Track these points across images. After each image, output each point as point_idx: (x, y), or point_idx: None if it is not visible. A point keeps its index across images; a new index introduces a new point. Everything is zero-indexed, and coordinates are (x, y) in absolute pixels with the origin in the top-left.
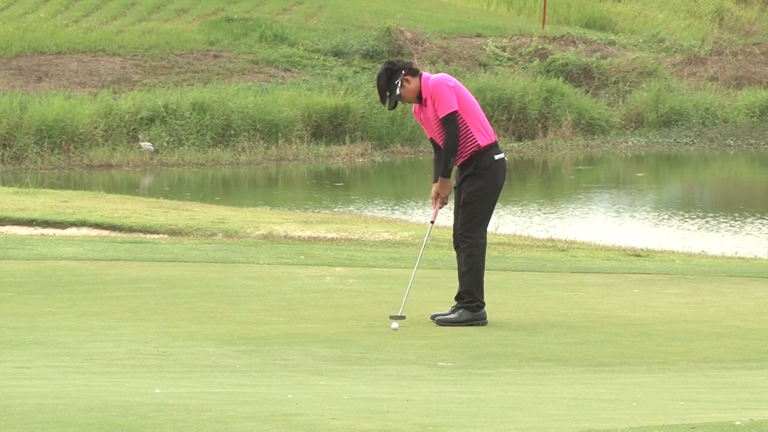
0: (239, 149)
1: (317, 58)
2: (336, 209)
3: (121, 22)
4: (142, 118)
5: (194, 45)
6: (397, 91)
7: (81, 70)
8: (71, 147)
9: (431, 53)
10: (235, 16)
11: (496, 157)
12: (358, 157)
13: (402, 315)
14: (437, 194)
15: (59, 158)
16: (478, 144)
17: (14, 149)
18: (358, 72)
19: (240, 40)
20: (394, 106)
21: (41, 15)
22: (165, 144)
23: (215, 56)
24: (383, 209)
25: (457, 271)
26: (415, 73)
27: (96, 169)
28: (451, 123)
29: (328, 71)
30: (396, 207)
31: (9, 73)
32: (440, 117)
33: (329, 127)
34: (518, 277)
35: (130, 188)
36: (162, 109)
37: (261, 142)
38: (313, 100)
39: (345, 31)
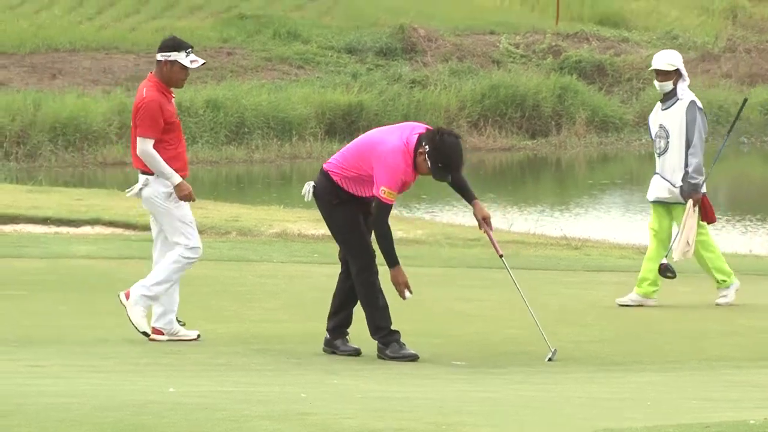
0: (253, 147)
1: (331, 56)
2: None
3: (135, 19)
4: None
5: (207, 42)
6: None
7: (95, 68)
8: (85, 145)
9: (444, 50)
10: (249, 13)
11: None
12: None
13: (553, 351)
14: (488, 218)
15: (73, 156)
16: None
17: (28, 147)
18: (371, 69)
19: (253, 37)
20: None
21: (55, 12)
22: None
23: (228, 54)
24: (397, 207)
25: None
26: None
27: (110, 166)
28: None
29: (341, 68)
30: (410, 205)
31: (23, 71)
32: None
33: (343, 125)
34: (532, 275)
35: None
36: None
37: (275, 139)
38: (326, 98)
39: (358, 28)
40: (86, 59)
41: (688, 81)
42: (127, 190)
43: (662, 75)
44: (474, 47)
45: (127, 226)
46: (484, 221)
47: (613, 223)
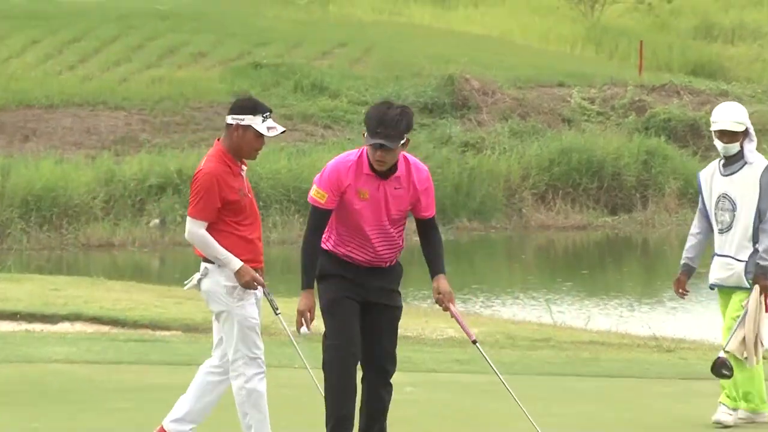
0: (270, 225)
1: (364, 113)
2: None
3: (126, 68)
4: (150, 186)
5: (215, 96)
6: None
7: (77, 128)
8: (64, 222)
9: (503, 106)
10: (265, 61)
11: None
12: (415, 234)
13: None
14: (449, 294)
15: (49, 236)
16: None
17: None
18: (414, 129)
19: (270, 90)
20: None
21: (28, 60)
22: (179, 218)
23: None
24: None
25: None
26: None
27: (94, 249)
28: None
29: None
30: (465, 297)
31: None
32: (430, 216)
33: None
34: (615, 384)
35: (136, 273)
36: (175, 175)
37: (296, 215)
38: None
39: (398, 79)
40: (66, 117)
41: (755, 141)
42: (185, 282)
43: (728, 136)
44: (539, 102)
45: (114, 322)
46: (444, 298)
47: (714, 320)
